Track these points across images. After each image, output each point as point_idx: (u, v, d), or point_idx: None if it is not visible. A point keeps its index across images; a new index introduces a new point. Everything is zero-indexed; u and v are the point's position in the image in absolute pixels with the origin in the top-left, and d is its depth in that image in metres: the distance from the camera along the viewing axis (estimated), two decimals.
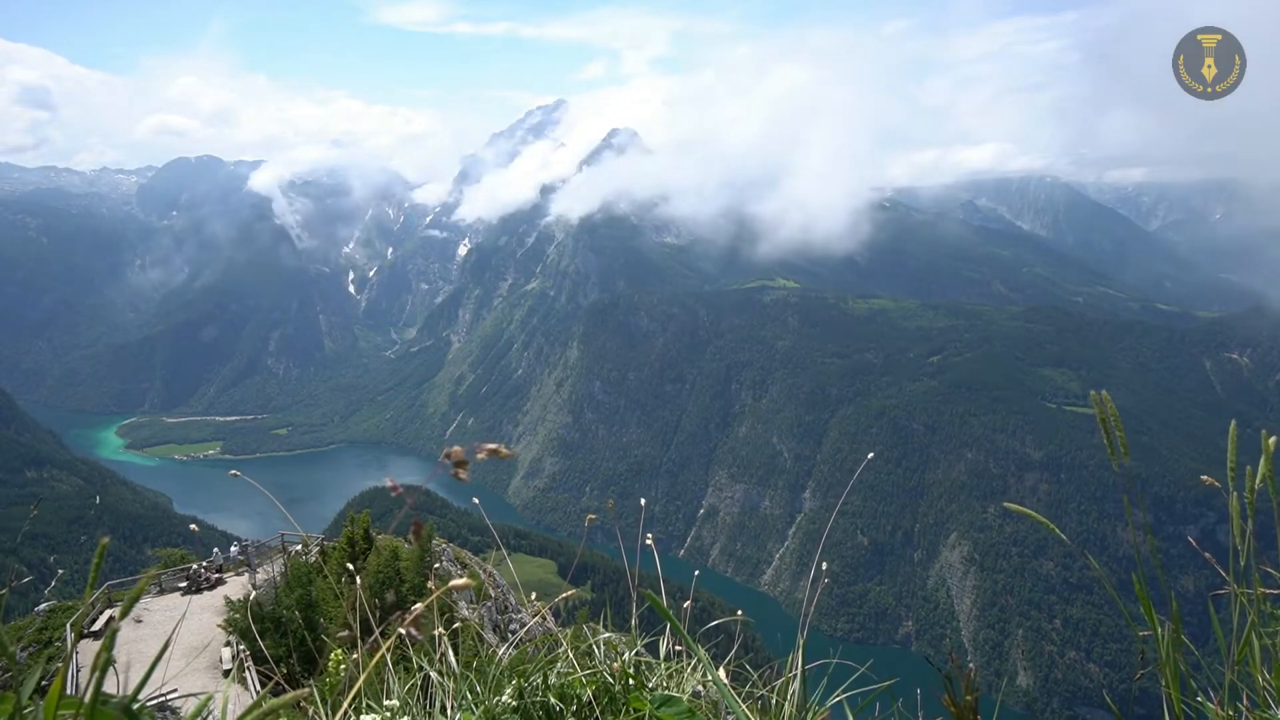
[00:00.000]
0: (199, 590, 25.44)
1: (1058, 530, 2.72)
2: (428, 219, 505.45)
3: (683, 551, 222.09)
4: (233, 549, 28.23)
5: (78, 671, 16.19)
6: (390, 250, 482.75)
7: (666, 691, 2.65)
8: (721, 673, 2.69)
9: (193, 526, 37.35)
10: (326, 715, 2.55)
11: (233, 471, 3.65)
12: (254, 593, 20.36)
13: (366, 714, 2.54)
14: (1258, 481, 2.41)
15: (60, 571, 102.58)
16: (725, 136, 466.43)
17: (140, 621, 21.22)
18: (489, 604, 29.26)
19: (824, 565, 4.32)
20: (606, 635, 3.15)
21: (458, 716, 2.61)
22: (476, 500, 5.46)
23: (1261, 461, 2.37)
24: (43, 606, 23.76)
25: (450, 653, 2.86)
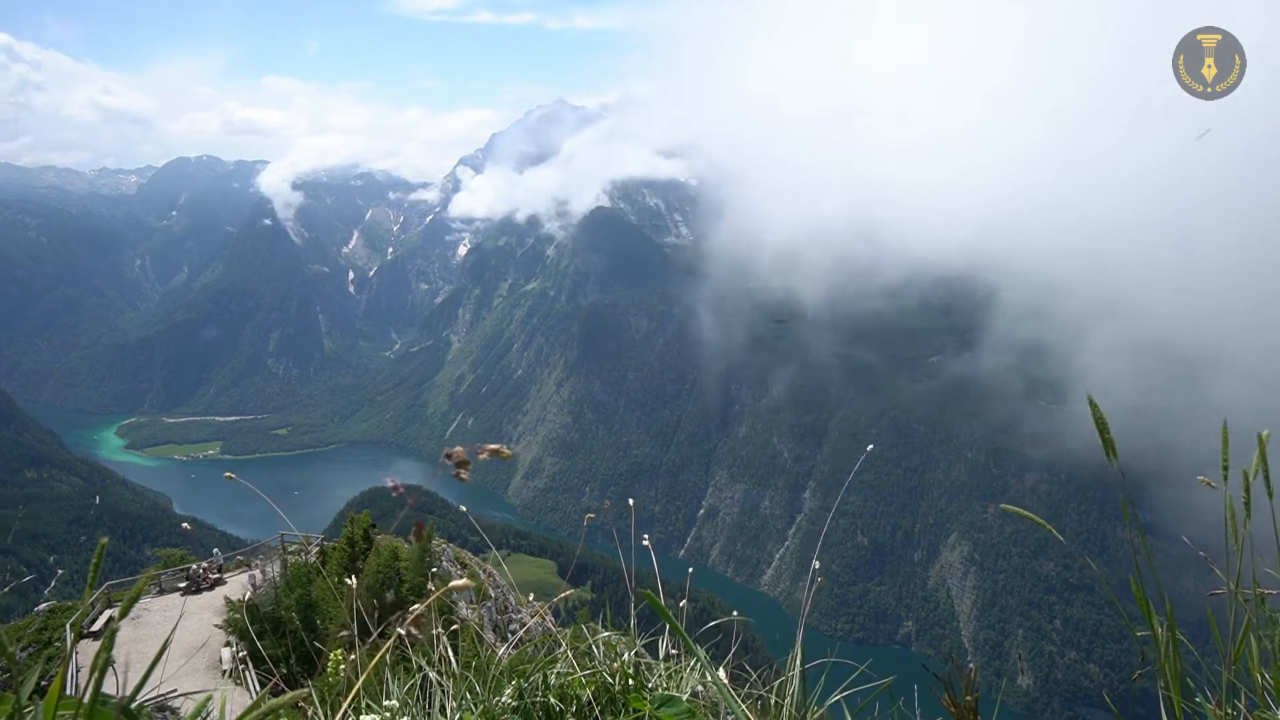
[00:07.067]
0: (199, 590, 25.45)
1: (1055, 531, 2.73)
2: (427, 219, 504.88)
3: (683, 552, 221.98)
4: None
5: (77, 671, 16.17)
6: (390, 250, 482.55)
7: (666, 692, 2.65)
8: (721, 673, 2.69)
9: (185, 525, 37.30)
10: (326, 716, 2.55)
11: (228, 474, 3.61)
12: (251, 593, 20.36)
13: (366, 714, 2.52)
14: (1252, 479, 2.38)
15: (60, 571, 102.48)
16: (727, 135, 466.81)
17: (138, 617, 21.22)
18: (489, 604, 29.25)
19: (816, 564, 4.32)
20: (606, 635, 3.14)
21: (458, 717, 2.61)
22: (464, 508, 5.54)
23: (1255, 458, 2.35)
24: (43, 606, 23.77)
25: (450, 653, 2.86)
